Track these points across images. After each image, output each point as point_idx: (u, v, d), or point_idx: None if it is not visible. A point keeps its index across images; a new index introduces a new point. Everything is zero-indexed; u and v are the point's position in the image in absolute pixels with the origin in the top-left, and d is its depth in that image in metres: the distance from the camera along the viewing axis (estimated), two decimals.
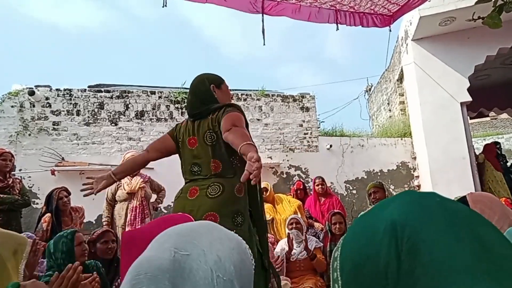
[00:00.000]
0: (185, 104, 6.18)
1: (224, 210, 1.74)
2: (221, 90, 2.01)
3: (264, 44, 2.82)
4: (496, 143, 6.62)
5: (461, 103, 5.85)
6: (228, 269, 0.49)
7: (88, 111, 5.77)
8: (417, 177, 6.65)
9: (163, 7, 2.49)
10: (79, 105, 5.76)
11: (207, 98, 1.95)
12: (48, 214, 3.54)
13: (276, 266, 3.18)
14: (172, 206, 5.65)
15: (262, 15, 2.82)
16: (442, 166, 5.77)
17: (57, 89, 5.74)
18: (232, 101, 2.06)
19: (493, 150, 6.39)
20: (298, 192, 4.83)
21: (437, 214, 0.46)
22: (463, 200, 1.58)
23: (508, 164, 6.34)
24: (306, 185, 5.40)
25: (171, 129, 2.09)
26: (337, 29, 3.23)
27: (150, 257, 0.51)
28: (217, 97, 1.97)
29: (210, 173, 1.83)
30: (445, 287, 0.40)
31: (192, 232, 0.54)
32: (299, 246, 3.41)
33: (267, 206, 4.39)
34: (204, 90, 1.97)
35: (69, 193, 3.80)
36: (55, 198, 3.62)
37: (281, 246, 3.52)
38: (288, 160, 6.39)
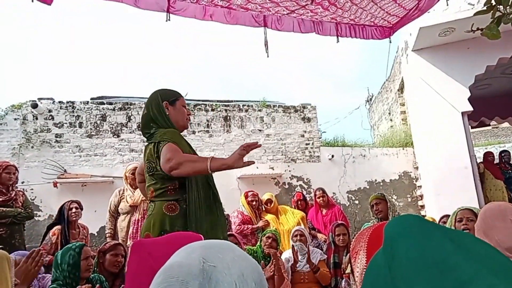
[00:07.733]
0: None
1: (154, 228, 1.77)
2: (174, 107, 1.93)
3: (268, 57, 2.85)
4: (503, 151, 6.60)
5: (462, 113, 5.86)
6: (250, 285, 0.51)
7: (91, 123, 5.80)
8: (420, 187, 6.63)
9: (166, 21, 2.53)
10: (82, 117, 5.79)
11: (158, 116, 1.90)
12: (58, 227, 3.46)
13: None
14: None
15: (265, 28, 2.86)
16: (445, 175, 5.75)
17: (59, 102, 5.78)
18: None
19: (491, 158, 6.39)
20: (299, 203, 4.82)
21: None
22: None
23: None
24: (308, 195, 5.38)
25: None
26: (338, 41, 3.27)
27: (180, 262, 0.53)
28: (169, 114, 1.91)
29: (150, 198, 1.91)
30: None
31: (216, 247, 0.56)
32: (304, 258, 3.39)
33: (270, 217, 4.37)
34: (157, 107, 1.91)
35: (81, 208, 3.71)
36: (67, 209, 3.56)
37: (285, 257, 3.50)
38: (290, 171, 6.38)
